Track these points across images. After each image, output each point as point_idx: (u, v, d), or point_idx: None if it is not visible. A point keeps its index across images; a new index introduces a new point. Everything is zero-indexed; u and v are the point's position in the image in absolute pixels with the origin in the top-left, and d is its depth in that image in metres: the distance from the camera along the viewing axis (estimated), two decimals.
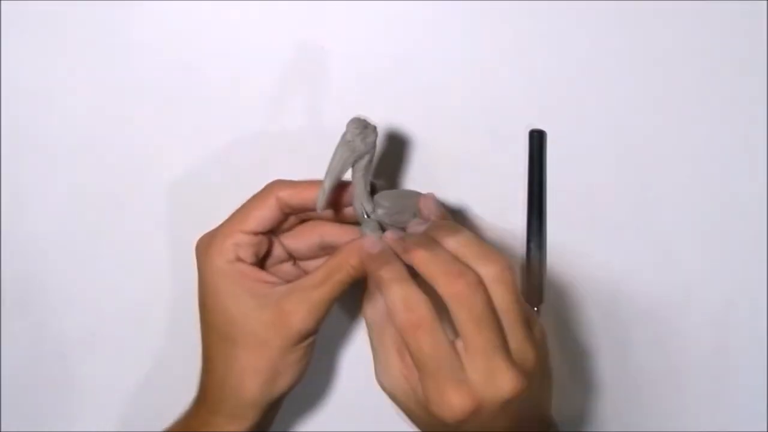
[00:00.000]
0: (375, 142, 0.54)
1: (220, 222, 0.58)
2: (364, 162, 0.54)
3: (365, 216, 0.56)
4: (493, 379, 0.50)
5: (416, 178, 0.65)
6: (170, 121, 0.64)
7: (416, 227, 0.55)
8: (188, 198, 0.65)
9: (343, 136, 0.54)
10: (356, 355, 0.68)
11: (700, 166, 0.65)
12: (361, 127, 0.53)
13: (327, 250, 0.59)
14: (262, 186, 0.58)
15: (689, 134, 0.65)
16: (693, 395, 0.68)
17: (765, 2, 0.63)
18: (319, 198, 0.54)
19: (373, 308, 0.55)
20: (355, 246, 0.55)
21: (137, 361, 0.68)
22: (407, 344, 0.51)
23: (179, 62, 0.63)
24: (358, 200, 0.55)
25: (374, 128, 0.54)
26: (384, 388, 0.55)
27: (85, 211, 0.66)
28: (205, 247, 0.57)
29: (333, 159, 0.54)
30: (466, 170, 0.65)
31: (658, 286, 0.66)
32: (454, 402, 0.50)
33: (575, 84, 0.64)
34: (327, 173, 0.54)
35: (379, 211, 0.56)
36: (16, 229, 0.66)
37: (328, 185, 0.54)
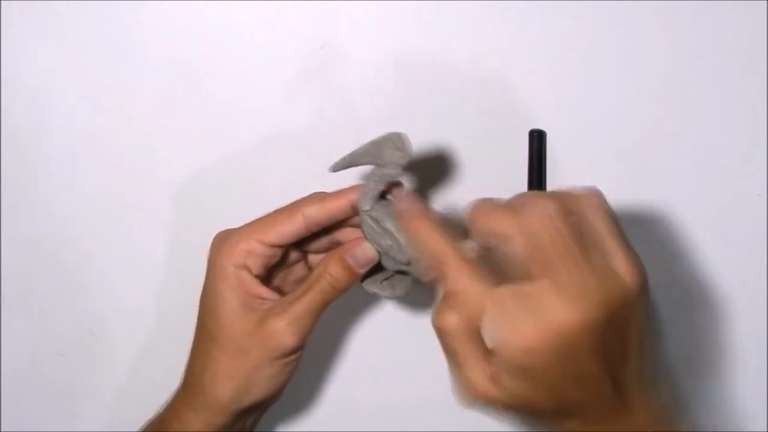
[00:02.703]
0: (398, 165, 0.55)
1: (220, 223, 0.58)
2: (382, 172, 0.55)
3: (364, 210, 0.56)
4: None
5: (416, 178, 0.65)
6: (172, 121, 0.64)
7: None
8: (189, 199, 0.65)
9: (381, 137, 0.56)
10: (354, 359, 0.68)
11: (700, 166, 0.65)
12: (395, 144, 0.55)
13: None
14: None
15: (689, 134, 0.65)
16: (692, 395, 0.68)
17: (765, 2, 0.63)
18: (335, 162, 0.57)
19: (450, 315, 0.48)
20: (333, 255, 0.56)
21: (136, 361, 0.68)
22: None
23: (181, 63, 0.63)
24: (363, 197, 0.56)
25: (404, 155, 0.55)
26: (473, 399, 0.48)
27: (85, 211, 0.66)
28: (219, 243, 0.57)
29: (361, 147, 0.56)
30: (466, 170, 0.65)
31: (657, 286, 0.66)
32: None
33: (575, 84, 0.64)
34: (350, 153, 0.56)
35: (373, 213, 0.56)
36: (17, 229, 0.66)
37: (347, 160, 0.57)
